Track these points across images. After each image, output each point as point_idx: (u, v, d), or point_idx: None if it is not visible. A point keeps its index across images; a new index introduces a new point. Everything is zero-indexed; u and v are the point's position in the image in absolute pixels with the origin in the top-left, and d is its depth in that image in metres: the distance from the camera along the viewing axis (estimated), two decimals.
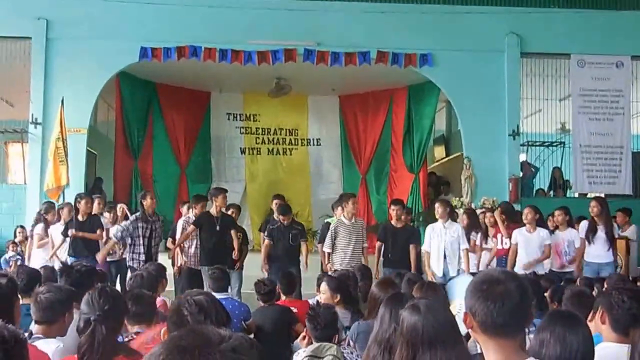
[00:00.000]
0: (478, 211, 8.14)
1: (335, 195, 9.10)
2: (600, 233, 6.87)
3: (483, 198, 8.89)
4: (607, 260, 6.87)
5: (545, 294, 4.29)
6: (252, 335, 4.48)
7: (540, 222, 6.93)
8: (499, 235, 7.27)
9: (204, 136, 11.60)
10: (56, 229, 7.31)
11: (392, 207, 7.38)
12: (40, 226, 7.56)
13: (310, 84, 10.92)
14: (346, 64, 9.30)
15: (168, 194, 10.71)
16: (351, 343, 3.64)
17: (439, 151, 12.65)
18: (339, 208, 7.17)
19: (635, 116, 10.65)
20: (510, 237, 7.04)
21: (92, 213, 7.21)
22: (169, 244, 7.50)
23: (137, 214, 7.13)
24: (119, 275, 7.40)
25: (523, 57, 9.81)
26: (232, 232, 7.09)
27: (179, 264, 7.07)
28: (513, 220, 7.27)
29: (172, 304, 2.28)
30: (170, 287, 6.25)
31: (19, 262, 7.78)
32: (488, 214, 7.39)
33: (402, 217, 7.28)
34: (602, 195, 9.31)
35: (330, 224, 7.10)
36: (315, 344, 3.20)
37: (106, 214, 7.71)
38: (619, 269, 7.29)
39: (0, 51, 9.48)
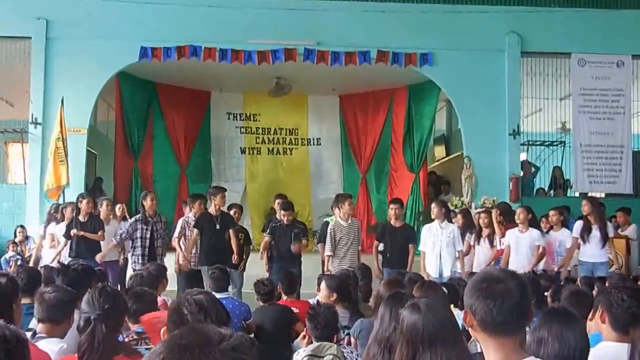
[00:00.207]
0: (473, 211, 8.14)
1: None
2: (595, 232, 6.88)
3: (483, 197, 8.89)
4: (601, 259, 6.87)
5: (546, 293, 4.29)
6: (252, 335, 4.48)
7: (533, 223, 6.93)
8: (496, 237, 7.24)
9: (204, 136, 11.60)
10: (60, 229, 7.30)
11: (391, 205, 7.38)
12: (52, 226, 7.55)
13: (310, 83, 10.91)
14: (346, 63, 9.30)
15: (168, 194, 10.72)
16: (352, 339, 3.64)
17: (439, 151, 12.65)
18: (336, 209, 7.16)
19: (636, 115, 10.65)
20: (504, 237, 7.04)
21: (95, 214, 7.19)
22: (174, 244, 7.46)
23: (137, 215, 7.13)
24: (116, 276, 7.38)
25: (523, 56, 9.81)
26: (231, 231, 7.08)
27: (178, 264, 7.06)
28: (510, 220, 7.27)
29: (172, 303, 2.28)
30: (173, 287, 6.26)
31: (19, 262, 7.79)
32: (483, 215, 7.38)
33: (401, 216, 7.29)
34: (596, 194, 9.33)
35: (329, 223, 7.09)
36: (315, 344, 3.20)
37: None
38: (613, 267, 7.29)
39: (0, 51, 9.48)
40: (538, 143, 10.50)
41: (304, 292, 6.21)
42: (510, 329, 1.67)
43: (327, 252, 6.86)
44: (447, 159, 12.17)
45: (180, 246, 7.12)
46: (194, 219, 7.14)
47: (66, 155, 8.34)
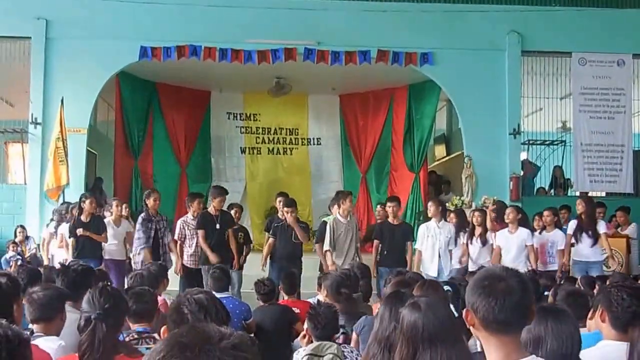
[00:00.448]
0: (467, 210, 8.14)
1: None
2: (589, 232, 6.91)
3: (484, 197, 8.88)
4: (594, 259, 6.89)
5: (546, 293, 4.28)
6: (252, 335, 4.48)
7: (524, 222, 6.94)
8: (489, 235, 7.24)
9: (204, 136, 11.59)
10: (66, 229, 7.29)
11: (389, 204, 7.36)
12: (63, 226, 7.53)
13: (310, 83, 10.91)
14: (346, 62, 9.29)
15: (168, 194, 10.68)
16: (354, 336, 3.64)
17: (440, 150, 12.64)
18: (335, 206, 7.14)
19: (637, 114, 10.65)
20: (495, 231, 7.07)
21: (97, 214, 7.17)
22: (172, 245, 7.43)
23: (142, 214, 7.10)
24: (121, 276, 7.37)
25: (524, 55, 9.80)
26: (230, 231, 7.07)
27: (179, 265, 7.05)
28: (504, 219, 7.27)
29: (172, 303, 2.28)
30: (175, 287, 6.26)
31: (19, 262, 7.78)
32: (476, 213, 7.39)
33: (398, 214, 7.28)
34: (597, 194, 9.33)
35: (327, 223, 7.07)
36: (315, 343, 3.19)
37: (107, 213, 7.69)
38: (613, 266, 7.29)
39: (0, 51, 9.48)
40: (538, 142, 10.50)
41: (303, 292, 6.20)
42: (512, 327, 1.66)
43: (326, 247, 6.82)
44: (447, 158, 12.16)
45: (177, 248, 7.09)
46: (192, 218, 7.12)
47: (66, 155, 8.34)
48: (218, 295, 3.16)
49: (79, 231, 6.81)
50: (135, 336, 2.87)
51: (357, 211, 10.44)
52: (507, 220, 6.88)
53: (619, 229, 8.40)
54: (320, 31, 9.40)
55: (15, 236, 8.57)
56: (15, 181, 10.12)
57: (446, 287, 3.27)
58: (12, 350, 1.50)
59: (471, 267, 6.93)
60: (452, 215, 7.62)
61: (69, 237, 6.98)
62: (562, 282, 5.56)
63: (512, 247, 6.79)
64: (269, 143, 11.94)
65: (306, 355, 3.11)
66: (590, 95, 9.83)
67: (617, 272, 6.57)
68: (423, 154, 10.90)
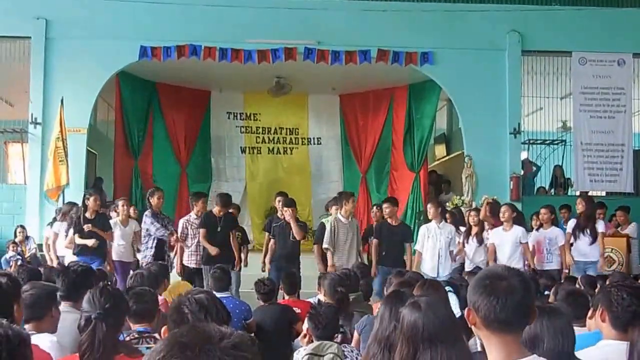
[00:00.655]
0: (463, 209, 8.15)
1: (336, 195, 9.06)
2: (586, 230, 6.91)
3: (484, 196, 8.87)
4: (593, 259, 6.90)
5: (547, 292, 4.28)
6: (252, 334, 4.48)
7: (519, 221, 6.94)
8: (486, 232, 7.24)
9: (204, 135, 11.59)
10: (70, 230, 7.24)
11: (384, 205, 7.35)
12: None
13: (310, 83, 10.91)
14: (347, 62, 9.29)
15: (168, 194, 10.57)
16: (356, 334, 3.64)
17: (440, 150, 12.64)
18: (334, 207, 7.12)
19: (637, 114, 10.64)
20: (487, 222, 7.09)
21: (101, 212, 7.14)
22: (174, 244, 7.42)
23: (148, 212, 7.06)
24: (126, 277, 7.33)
25: (524, 55, 9.80)
26: (231, 234, 7.07)
27: (180, 265, 7.05)
28: (498, 216, 7.27)
29: (173, 302, 2.28)
30: None
31: (19, 262, 7.77)
32: (472, 213, 7.39)
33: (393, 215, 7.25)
34: (597, 193, 9.33)
35: (325, 224, 7.05)
36: (315, 342, 3.19)
37: (113, 214, 7.65)
38: (614, 266, 7.30)
39: None
40: (539, 142, 10.50)
41: (303, 292, 6.20)
42: (513, 326, 1.66)
43: (325, 245, 6.79)
44: (447, 158, 12.16)
45: (181, 248, 7.09)
46: (195, 217, 7.13)
47: (66, 155, 8.33)
48: (218, 295, 3.16)
49: (87, 227, 6.72)
50: (136, 336, 2.87)
51: (357, 211, 10.42)
52: (502, 219, 6.89)
53: (619, 229, 8.40)
54: (320, 31, 9.40)
55: (15, 236, 8.57)
56: (15, 181, 10.12)
57: (447, 288, 3.27)
58: (12, 350, 1.50)
59: (468, 267, 6.95)
60: (447, 215, 7.64)
61: (74, 234, 6.89)
62: (562, 282, 5.56)
63: (506, 244, 6.80)
64: (269, 143, 11.94)
65: (307, 354, 3.11)
66: (590, 95, 9.83)
67: (617, 272, 6.56)
68: (423, 153, 10.89)
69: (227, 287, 4.97)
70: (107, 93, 9.97)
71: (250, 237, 10.10)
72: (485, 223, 7.29)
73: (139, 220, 7.47)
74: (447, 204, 9.08)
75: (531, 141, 10.32)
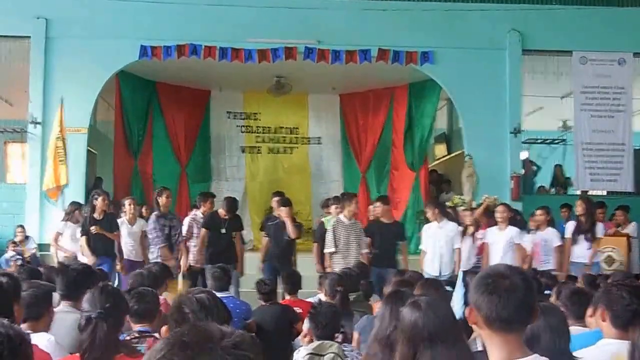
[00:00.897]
0: (461, 209, 8.15)
1: (336, 194, 9.05)
2: (587, 235, 6.90)
3: (484, 196, 8.87)
4: (589, 261, 6.89)
5: (547, 292, 4.28)
6: (252, 334, 4.47)
7: (515, 222, 6.92)
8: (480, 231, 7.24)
9: (204, 135, 11.58)
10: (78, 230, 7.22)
11: (375, 204, 7.33)
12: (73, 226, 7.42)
13: (310, 82, 10.90)
14: (347, 61, 9.28)
15: None
16: (355, 335, 3.64)
17: (440, 149, 12.64)
18: (333, 206, 7.08)
19: (637, 113, 10.64)
20: (480, 218, 7.09)
21: (109, 212, 7.13)
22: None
23: (156, 212, 7.06)
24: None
25: (524, 54, 9.79)
26: (237, 234, 7.05)
27: (185, 264, 7.04)
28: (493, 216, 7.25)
29: (174, 302, 2.28)
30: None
31: (19, 262, 7.77)
32: (467, 212, 7.39)
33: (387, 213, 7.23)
34: (597, 192, 9.33)
35: (324, 223, 7.02)
36: (316, 342, 3.19)
37: (121, 214, 7.62)
38: (614, 265, 7.30)
39: None
40: (539, 141, 10.51)
41: (303, 292, 6.19)
42: (515, 325, 1.66)
43: (329, 249, 6.74)
44: (448, 157, 12.16)
45: (185, 247, 7.08)
46: (202, 216, 7.12)
47: (66, 155, 8.34)
48: (219, 294, 3.16)
49: (93, 229, 6.72)
50: (136, 335, 2.86)
51: (358, 210, 10.41)
52: (497, 219, 6.88)
53: (619, 228, 8.39)
54: (320, 30, 9.39)
55: (15, 236, 8.57)
56: (15, 181, 10.12)
57: (448, 288, 3.26)
58: (13, 349, 1.50)
59: (464, 266, 6.93)
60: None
61: (81, 235, 6.88)
62: (563, 281, 5.55)
63: (499, 243, 6.78)
64: (269, 142, 11.93)
65: (307, 354, 3.10)
66: (591, 94, 9.82)
67: (619, 272, 6.55)
68: (423, 153, 10.89)
69: (228, 286, 4.96)
70: (107, 93, 9.96)
71: (250, 236, 10.11)
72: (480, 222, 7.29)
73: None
74: (447, 203, 9.07)
75: (532, 140, 10.33)
